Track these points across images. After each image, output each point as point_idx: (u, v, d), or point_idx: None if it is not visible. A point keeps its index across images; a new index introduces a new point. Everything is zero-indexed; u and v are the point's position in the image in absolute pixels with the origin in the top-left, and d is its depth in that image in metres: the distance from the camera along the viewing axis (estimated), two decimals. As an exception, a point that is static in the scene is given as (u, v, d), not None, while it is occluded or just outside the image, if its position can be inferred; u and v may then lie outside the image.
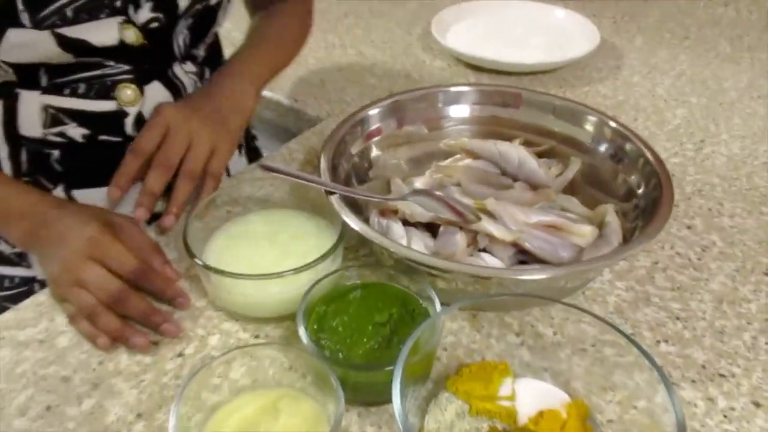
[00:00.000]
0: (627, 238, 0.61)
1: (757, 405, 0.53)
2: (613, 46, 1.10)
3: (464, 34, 1.11)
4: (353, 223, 0.57)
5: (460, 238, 0.59)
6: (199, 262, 0.56)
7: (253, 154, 0.93)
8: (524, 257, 0.62)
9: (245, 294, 0.56)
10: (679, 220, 0.72)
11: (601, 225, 0.63)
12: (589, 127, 0.70)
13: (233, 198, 0.66)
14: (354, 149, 0.71)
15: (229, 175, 0.82)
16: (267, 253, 0.60)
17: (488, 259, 0.59)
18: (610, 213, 0.62)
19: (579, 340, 0.56)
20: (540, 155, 0.72)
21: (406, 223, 0.65)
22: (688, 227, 0.71)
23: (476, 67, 1.02)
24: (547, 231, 0.61)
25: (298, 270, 0.54)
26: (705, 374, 0.55)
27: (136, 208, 0.65)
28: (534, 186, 0.69)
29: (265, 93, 0.96)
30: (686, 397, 0.54)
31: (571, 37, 1.09)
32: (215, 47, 0.81)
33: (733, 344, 0.58)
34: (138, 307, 0.56)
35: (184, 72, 0.74)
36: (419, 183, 0.72)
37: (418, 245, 0.63)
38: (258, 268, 0.58)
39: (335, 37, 1.14)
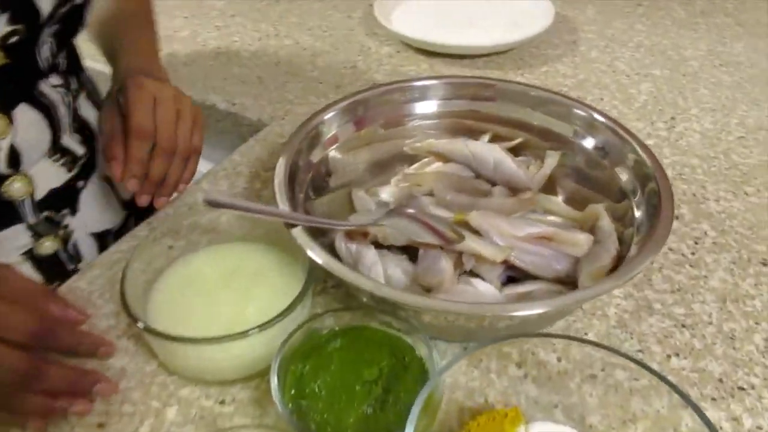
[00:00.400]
0: (621, 241, 0.56)
1: (784, 420, 0.49)
2: (566, 20, 1.05)
3: (410, 17, 1.02)
4: (320, 258, 0.49)
5: (446, 265, 0.52)
6: (141, 326, 0.47)
7: None
8: (514, 273, 0.56)
9: (203, 358, 0.47)
10: (665, 210, 0.67)
11: (592, 229, 0.57)
12: (570, 119, 0.64)
13: (173, 229, 0.57)
14: (313, 159, 0.62)
15: None
16: (224, 300, 0.52)
17: (479, 285, 0.52)
18: (602, 216, 0.57)
19: (586, 365, 0.50)
20: (515, 152, 0.65)
21: (377, 245, 0.58)
22: (676, 217, 0.66)
23: (428, 52, 0.95)
24: (537, 243, 0.55)
25: (264, 326, 0.46)
26: (724, 389, 0.51)
27: (132, 186, 0.60)
28: (514, 189, 0.62)
29: (196, 97, 0.86)
30: (710, 419, 0.49)
31: (523, 13, 1.02)
32: (72, 51, 0.69)
33: (746, 350, 0.53)
34: (60, 378, 0.45)
35: (51, 87, 0.62)
36: (385, 194, 0.65)
37: (395, 272, 0.56)
38: (215, 322, 0.49)
39: (268, 25, 1.04)
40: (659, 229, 0.50)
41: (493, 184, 0.63)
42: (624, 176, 0.58)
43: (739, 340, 0.54)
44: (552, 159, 0.64)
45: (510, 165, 0.61)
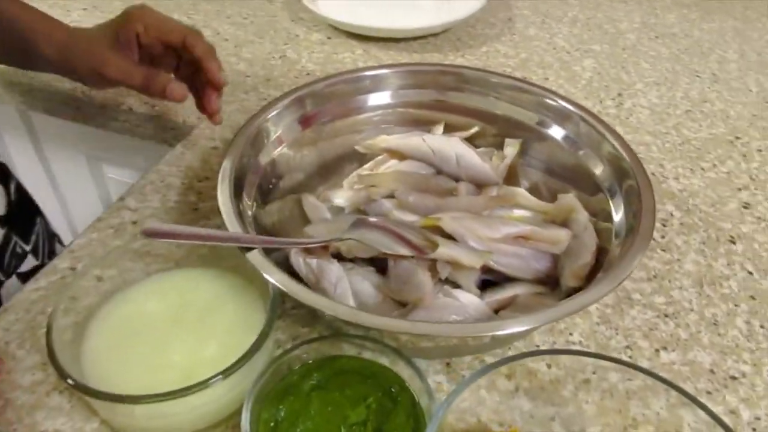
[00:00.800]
0: (598, 234, 0.53)
1: (780, 407, 0.47)
2: (499, -5, 1.01)
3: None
4: (281, 283, 0.43)
5: (425, 278, 0.47)
6: (72, 383, 0.39)
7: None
8: (491, 276, 0.52)
9: (154, 416, 0.40)
10: (628, 192, 0.65)
11: (566, 222, 0.54)
12: (534, 107, 0.60)
13: (100, 257, 0.49)
14: (258, 165, 0.55)
15: None
16: (175, 342, 0.45)
17: (462, 297, 0.48)
18: (577, 208, 0.53)
19: (577, 369, 0.47)
20: (474, 143, 0.61)
21: (339, 257, 0.52)
22: (640, 199, 0.64)
23: (360, 36, 0.88)
24: (515, 243, 0.51)
25: (230, 371, 0.40)
26: (717, 380, 0.49)
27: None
28: (479, 185, 0.58)
29: (106, 99, 0.76)
30: (706, 419, 0.47)
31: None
32: None
33: (731, 335, 0.52)
34: None
35: None
36: (340, 199, 0.59)
37: (364, 287, 0.50)
38: (167, 370, 0.42)
39: (181, 15, 0.94)
40: (643, 223, 0.47)
41: (456, 180, 0.58)
42: (596, 166, 0.55)
43: (722, 325, 0.53)
44: (512, 148, 0.61)
45: (474, 158, 0.57)
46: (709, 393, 0.48)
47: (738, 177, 0.67)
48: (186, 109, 0.75)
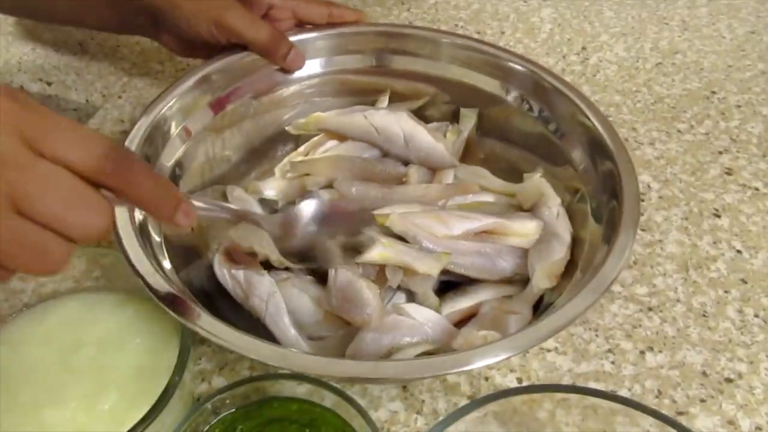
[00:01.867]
0: (571, 218, 0.45)
1: (782, 412, 0.41)
2: (446, -62, 0.91)
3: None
4: (205, 326, 0.34)
5: (370, 294, 0.39)
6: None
7: None
8: (451, 278, 0.44)
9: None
10: (599, 163, 0.57)
11: (535, 208, 0.46)
12: (490, 69, 0.51)
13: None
14: (162, 165, 0.46)
15: None
16: (66, 395, 0.36)
17: (415, 314, 0.40)
18: (548, 193, 0.45)
19: (550, 380, 0.41)
20: (424, 115, 0.53)
21: (268, 266, 0.44)
22: (613, 170, 0.57)
23: (292, -9, 0.78)
24: (477, 239, 0.43)
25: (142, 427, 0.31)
26: (710, 385, 0.43)
27: None
28: (432, 167, 0.49)
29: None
30: (704, 428, 0.41)
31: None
32: None
33: (722, 328, 0.46)
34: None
35: None
36: (270, 190, 0.50)
37: (302, 302, 0.42)
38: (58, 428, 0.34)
39: None
40: (626, 210, 0.40)
41: (406, 163, 0.50)
42: (564, 135, 0.47)
43: (712, 317, 0.47)
44: (468, 119, 0.52)
45: (425, 137, 0.48)
46: (703, 401, 0.42)
47: (717, 138, 0.61)
48: (87, 87, 0.64)
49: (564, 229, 0.43)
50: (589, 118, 0.46)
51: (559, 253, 0.42)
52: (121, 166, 0.29)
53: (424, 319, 0.39)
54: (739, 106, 0.64)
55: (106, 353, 0.38)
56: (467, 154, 0.52)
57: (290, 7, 0.51)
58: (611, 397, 0.36)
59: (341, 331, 0.42)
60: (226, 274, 0.43)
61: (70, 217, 0.27)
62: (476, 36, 0.72)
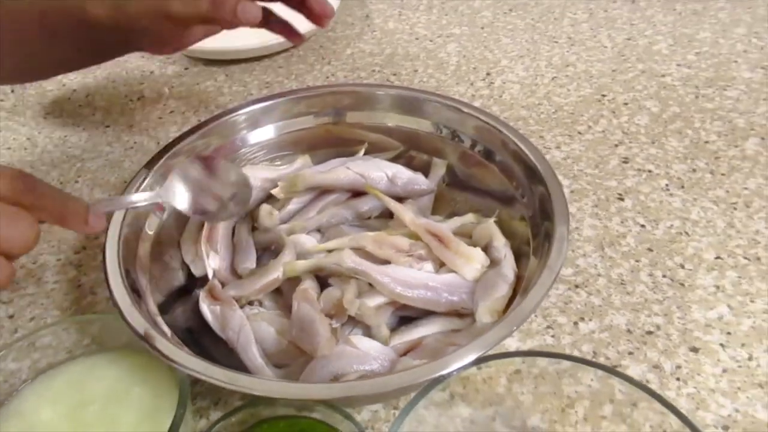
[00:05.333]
0: (517, 256, 0.51)
1: (695, 350, 0.49)
2: (351, -6, 1.00)
3: (187, 25, 0.91)
4: (188, 364, 0.40)
5: (321, 326, 0.45)
6: None
7: None
8: (405, 312, 0.50)
9: None
10: (516, 170, 0.66)
11: (486, 246, 0.51)
12: (428, 115, 0.58)
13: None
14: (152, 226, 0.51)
15: None
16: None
17: (362, 344, 0.45)
18: (495, 235, 0.51)
19: (507, 363, 0.47)
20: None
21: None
22: (529, 175, 0.65)
23: (219, 61, 0.84)
24: (425, 260, 0.50)
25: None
26: (635, 339, 0.50)
27: None
28: (415, 196, 0.57)
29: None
30: (635, 374, 0.48)
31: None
32: None
33: (638, 292, 0.54)
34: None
35: None
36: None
37: (268, 333, 0.48)
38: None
39: (19, 72, 0.86)
40: (554, 243, 0.45)
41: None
42: (507, 174, 0.54)
43: (629, 283, 0.54)
44: (439, 167, 0.59)
45: (405, 172, 0.56)
46: (631, 353, 0.49)
47: (612, 134, 0.70)
48: (46, 176, 0.68)
49: (509, 268, 0.49)
50: (519, 147, 0.53)
51: (502, 290, 0.47)
52: (31, 185, 0.37)
53: (369, 348, 0.45)
54: (627, 104, 0.74)
55: (112, 406, 0.42)
56: (438, 206, 0.58)
57: None
58: (557, 355, 0.42)
59: (301, 359, 0.46)
60: (206, 309, 0.48)
61: (5, 233, 0.34)
62: (392, 77, 0.80)
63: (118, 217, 0.48)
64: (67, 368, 0.45)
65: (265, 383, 0.40)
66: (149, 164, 0.53)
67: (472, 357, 0.40)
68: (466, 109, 0.57)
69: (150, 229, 0.51)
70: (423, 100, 0.58)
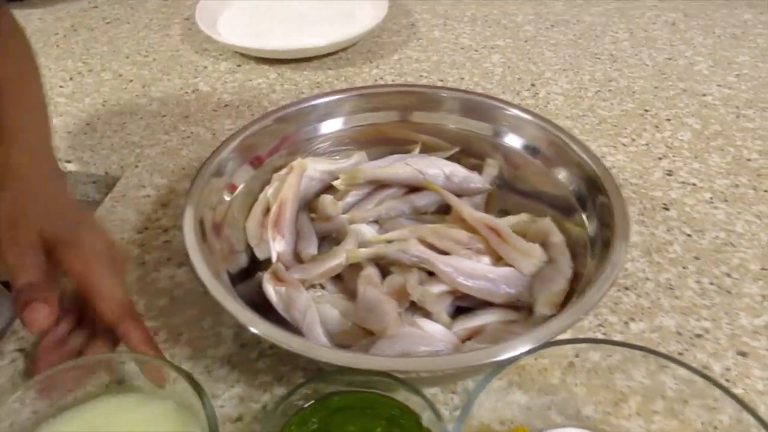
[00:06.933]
0: (575, 255, 0.52)
1: (744, 354, 0.51)
2: (396, 4, 1.02)
3: (237, 24, 0.94)
4: (255, 326, 0.42)
5: (389, 306, 0.47)
6: None
7: None
8: (464, 303, 0.52)
9: None
10: (563, 177, 0.68)
11: (542, 243, 0.53)
12: (492, 119, 0.60)
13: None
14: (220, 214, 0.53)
15: None
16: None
17: (427, 326, 0.47)
18: (553, 231, 0.53)
19: (561, 355, 0.49)
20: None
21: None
22: (575, 182, 0.67)
23: (270, 60, 0.87)
24: (483, 254, 0.51)
25: None
26: (684, 341, 0.52)
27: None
28: (470, 194, 0.58)
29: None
30: (684, 375, 0.49)
31: (352, 3, 0.98)
32: None
33: (687, 296, 0.55)
34: None
35: None
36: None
37: (332, 314, 0.49)
38: None
39: (76, 61, 0.89)
40: (615, 243, 0.47)
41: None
42: (566, 181, 0.55)
43: (677, 288, 0.56)
44: (492, 168, 0.60)
45: (461, 170, 0.58)
46: (680, 354, 0.51)
47: (656, 147, 0.72)
48: (104, 160, 0.71)
49: (565, 264, 0.51)
50: (581, 156, 0.55)
51: (560, 284, 0.49)
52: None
53: (434, 331, 0.47)
54: (669, 119, 0.76)
55: None
56: (487, 207, 0.59)
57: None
58: (611, 342, 0.44)
59: (364, 340, 0.48)
60: (271, 289, 0.50)
61: None
62: (439, 84, 0.83)
63: (195, 191, 0.50)
64: (90, 409, 0.42)
65: (346, 355, 0.41)
66: (230, 139, 0.55)
67: (538, 342, 0.42)
68: (528, 116, 0.59)
69: (218, 210, 0.53)
70: (489, 106, 0.60)
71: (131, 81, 0.84)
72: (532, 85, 0.83)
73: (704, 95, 0.80)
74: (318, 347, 0.41)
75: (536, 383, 0.48)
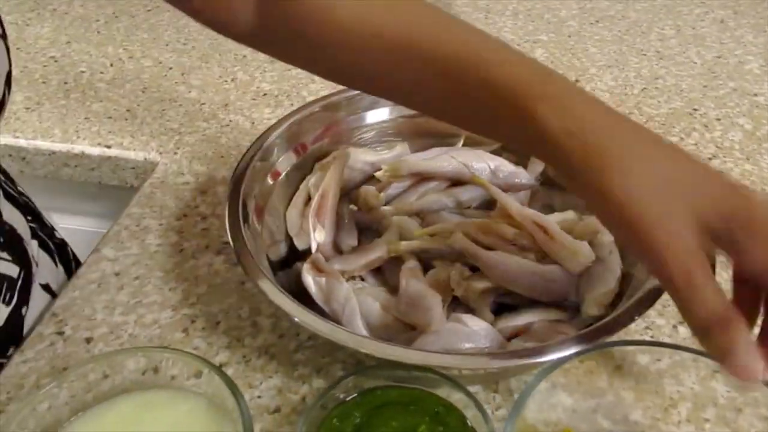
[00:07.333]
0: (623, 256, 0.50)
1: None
2: (438, -4, 1.01)
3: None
4: (297, 315, 0.41)
5: (434, 301, 0.45)
6: None
7: (65, 256, 0.63)
8: (507, 300, 0.50)
9: None
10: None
11: (591, 241, 0.51)
12: None
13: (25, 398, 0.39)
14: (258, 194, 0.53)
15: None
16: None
17: (471, 323, 0.45)
18: (601, 229, 0.50)
19: (608, 357, 0.47)
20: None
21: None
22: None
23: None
24: (528, 251, 0.50)
25: None
26: (737, 347, 0.50)
27: None
28: (516, 190, 0.57)
29: (54, 146, 0.71)
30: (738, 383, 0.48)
31: None
32: None
33: (738, 301, 0.53)
34: None
35: None
36: None
37: (373, 307, 0.48)
38: None
39: (117, 47, 0.89)
40: None
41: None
42: None
43: (728, 293, 0.54)
44: (538, 165, 0.58)
45: (508, 165, 0.56)
46: (733, 361, 0.49)
47: (705, 147, 0.70)
48: (144, 146, 0.71)
49: (614, 263, 0.49)
50: None
51: (609, 284, 0.47)
52: None
53: (479, 328, 0.45)
54: (719, 119, 0.74)
55: None
56: (531, 204, 0.58)
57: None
58: (661, 344, 0.42)
59: (404, 335, 0.47)
60: (311, 280, 0.49)
61: None
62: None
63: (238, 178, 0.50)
64: (120, 402, 0.41)
65: (392, 348, 0.40)
66: (277, 125, 0.55)
67: (588, 343, 0.40)
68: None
69: (261, 195, 0.53)
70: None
71: (171, 68, 0.84)
72: (577, 80, 0.81)
73: (756, 95, 0.78)
74: (365, 339, 0.40)
75: (582, 385, 0.46)
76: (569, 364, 0.46)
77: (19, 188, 0.60)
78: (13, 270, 0.51)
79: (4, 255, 0.50)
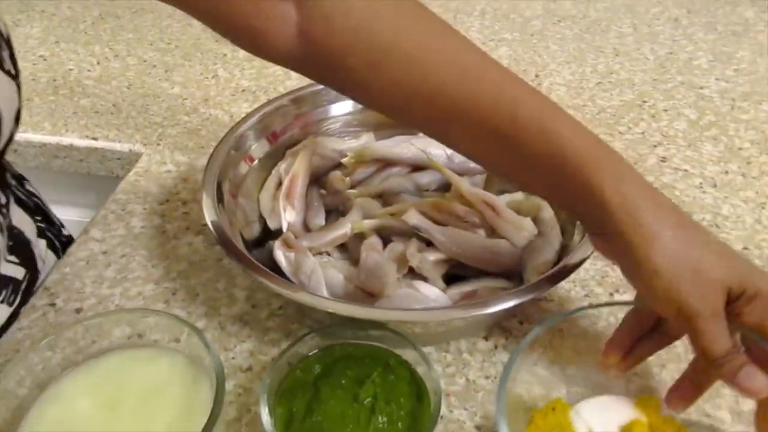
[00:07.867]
0: (564, 231, 0.56)
1: (721, 325, 0.54)
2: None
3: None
4: (271, 282, 0.46)
5: (389, 270, 0.51)
6: None
7: (56, 239, 0.65)
8: (458, 271, 0.56)
9: None
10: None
11: (535, 220, 0.57)
12: None
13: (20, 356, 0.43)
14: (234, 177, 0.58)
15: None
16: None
17: (423, 289, 0.51)
18: (544, 206, 0.57)
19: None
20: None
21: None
22: (572, 166, 0.71)
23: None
24: (479, 227, 0.55)
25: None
26: (666, 312, 0.55)
27: None
28: (470, 174, 0.62)
29: (44, 138, 0.76)
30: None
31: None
32: None
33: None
34: None
35: None
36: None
37: (337, 278, 0.53)
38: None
39: (103, 46, 0.94)
40: None
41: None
42: None
43: (662, 264, 0.59)
44: None
45: None
46: (661, 323, 0.54)
47: (651, 135, 0.75)
48: (128, 138, 0.75)
49: (554, 237, 0.55)
50: None
51: (549, 255, 0.53)
52: None
53: (429, 293, 0.51)
54: (666, 110, 0.79)
55: (147, 401, 0.43)
56: (487, 188, 0.62)
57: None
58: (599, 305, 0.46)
59: (365, 302, 0.52)
60: (281, 255, 0.54)
61: None
62: (447, 73, 0.86)
63: (214, 164, 0.55)
64: (108, 360, 0.45)
65: (346, 305, 0.45)
66: (249, 116, 0.61)
67: (521, 299, 0.45)
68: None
69: (234, 181, 0.58)
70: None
71: (155, 66, 0.89)
72: (536, 76, 0.86)
73: (702, 88, 0.83)
74: (321, 298, 0.45)
75: (560, 348, 0.49)
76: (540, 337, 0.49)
77: (28, 188, 0.63)
78: (19, 272, 0.55)
79: (12, 258, 0.54)
